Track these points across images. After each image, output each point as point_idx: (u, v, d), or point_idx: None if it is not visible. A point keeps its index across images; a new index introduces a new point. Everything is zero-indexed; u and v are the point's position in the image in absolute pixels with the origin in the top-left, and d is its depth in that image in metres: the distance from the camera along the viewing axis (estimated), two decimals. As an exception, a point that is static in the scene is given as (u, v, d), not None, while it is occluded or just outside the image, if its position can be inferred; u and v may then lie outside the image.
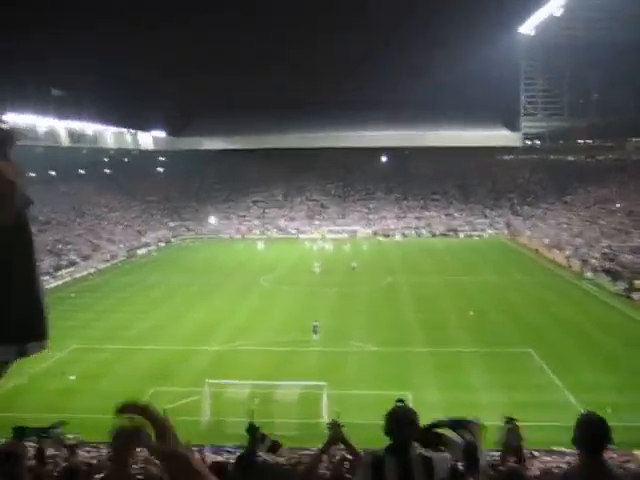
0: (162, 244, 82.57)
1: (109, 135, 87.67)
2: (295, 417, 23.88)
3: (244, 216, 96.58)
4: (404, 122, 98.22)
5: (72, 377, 29.87)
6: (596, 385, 27.68)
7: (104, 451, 20.06)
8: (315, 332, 36.16)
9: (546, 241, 72.99)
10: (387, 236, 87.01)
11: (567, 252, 64.93)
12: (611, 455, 10.24)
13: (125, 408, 1.66)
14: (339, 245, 75.14)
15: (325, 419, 21.83)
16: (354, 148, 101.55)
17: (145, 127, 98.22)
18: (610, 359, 32.11)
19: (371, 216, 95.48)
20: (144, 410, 1.64)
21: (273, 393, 25.85)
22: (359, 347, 34.82)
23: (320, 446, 6.07)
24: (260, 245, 76.47)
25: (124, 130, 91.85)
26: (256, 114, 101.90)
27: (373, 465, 4.09)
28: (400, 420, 4.11)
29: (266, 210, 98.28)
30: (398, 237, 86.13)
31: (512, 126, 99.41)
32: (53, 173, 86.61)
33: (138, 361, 32.83)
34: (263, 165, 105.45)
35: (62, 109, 72.36)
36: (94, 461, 17.87)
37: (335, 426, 5.68)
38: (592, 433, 3.83)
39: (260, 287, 52.88)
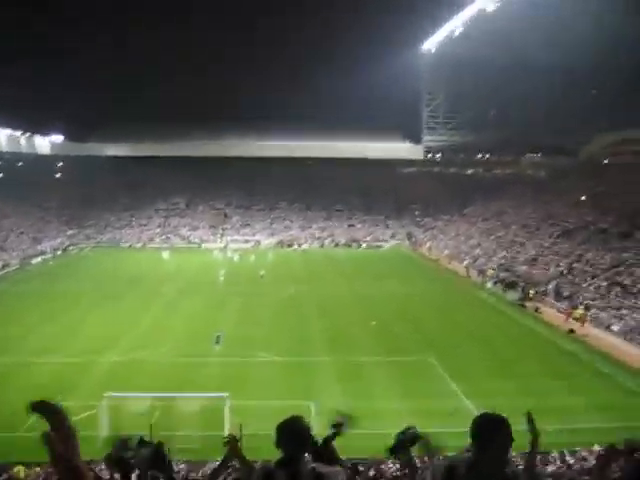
0: (59, 252, 79.61)
1: (2, 137, 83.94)
2: (197, 429, 23.41)
3: (146, 225, 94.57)
4: (309, 133, 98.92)
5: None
6: (493, 391, 28.54)
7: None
8: (218, 342, 35.67)
9: (446, 252, 75.12)
10: (290, 246, 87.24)
11: (465, 262, 67.02)
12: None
13: (39, 406, 1.53)
14: (245, 255, 74.51)
15: (228, 431, 21.53)
16: (258, 158, 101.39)
17: (42, 131, 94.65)
18: (505, 366, 33.27)
19: (275, 226, 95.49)
20: (56, 411, 1.52)
21: (174, 405, 25.26)
22: (263, 357, 34.58)
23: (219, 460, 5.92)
24: (165, 254, 74.72)
25: (18, 133, 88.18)
26: (160, 122, 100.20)
27: (263, 478, 4.00)
28: (290, 433, 4.03)
29: (168, 219, 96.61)
30: (305, 246, 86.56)
31: (414, 139, 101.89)
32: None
33: (32, 375, 31.32)
34: (166, 173, 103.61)
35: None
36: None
37: (231, 440, 5.51)
38: (484, 429, 3.83)
39: (163, 297, 51.69)
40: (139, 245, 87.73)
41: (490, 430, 3.79)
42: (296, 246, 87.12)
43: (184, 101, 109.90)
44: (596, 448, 20.04)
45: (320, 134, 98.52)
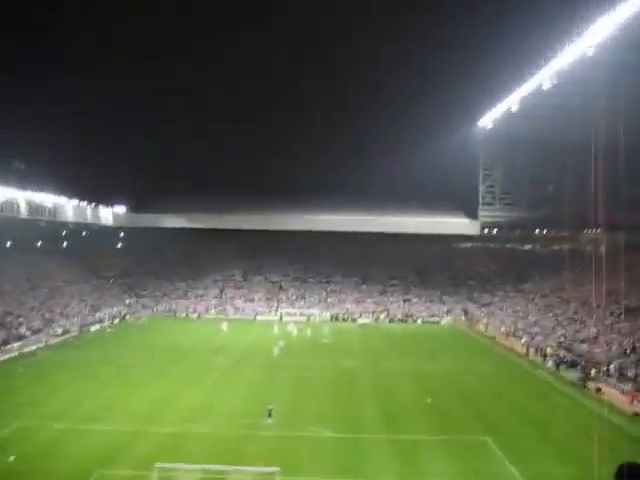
0: (116, 320, 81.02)
1: (69, 208, 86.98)
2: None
3: (202, 295, 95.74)
4: (366, 208, 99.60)
5: (11, 458, 28.40)
6: (551, 475, 27.42)
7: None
8: (270, 415, 35.34)
9: (503, 329, 73.58)
10: (345, 320, 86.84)
11: (523, 340, 65.43)
12: None
13: None
14: (302, 328, 74.10)
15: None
16: (315, 231, 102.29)
17: (107, 202, 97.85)
18: (564, 449, 31.95)
19: (330, 299, 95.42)
20: None
21: (225, 479, 24.97)
22: (314, 432, 34.05)
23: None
24: (224, 326, 73.67)
25: (84, 204, 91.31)
26: (218, 194, 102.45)
27: None
28: None
29: (225, 290, 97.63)
30: (363, 320, 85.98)
31: (471, 215, 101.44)
32: (9, 244, 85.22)
33: (85, 441, 31.51)
34: (223, 244, 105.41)
35: (23, 180, 71.90)
36: None
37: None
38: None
39: (215, 369, 51.82)
40: (194, 315, 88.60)
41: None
42: (353, 320, 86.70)
43: (241, 175, 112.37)
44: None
45: (377, 209, 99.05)
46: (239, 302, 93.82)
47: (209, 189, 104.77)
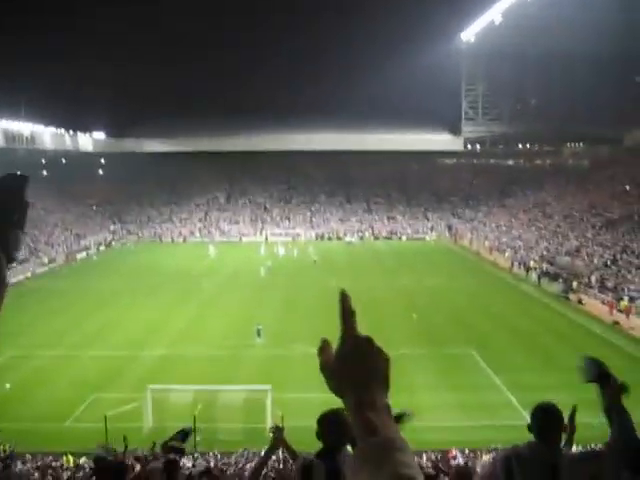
0: (103, 248, 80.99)
1: (47, 136, 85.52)
2: (239, 422, 23.66)
3: (186, 219, 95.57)
4: (346, 125, 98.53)
5: (7, 385, 28.88)
6: (535, 385, 28.22)
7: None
8: (259, 335, 35.93)
9: (487, 244, 74.38)
10: (330, 239, 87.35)
11: (507, 254, 66.30)
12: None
13: None
14: (290, 248, 74.47)
15: (270, 423, 21.70)
16: (296, 151, 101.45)
17: (85, 128, 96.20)
18: (548, 359, 32.83)
19: (314, 219, 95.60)
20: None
21: (217, 398, 25.55)
22: (304, 350, 34.70)
23: (264, 450, 6.01)
24: (211, 250, 73.41)
25: (62, 131, 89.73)
26: (198, 116, 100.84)
27: (303, 470, 4.05)
28: (331, 425, 4.06)
29: (209, 213, 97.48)
30: (349, 238, 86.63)
31: (454, 130, 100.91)
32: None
33: (77, 368, 32.04)
34: (205, 168, 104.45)
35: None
36: (36, 474, 17.36)
37: (277, 430, 5.62)
38: (546, 420, 3.94)
39: (203, 291, 52.24)
40: (180, 240, 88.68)
41: (546, 419, 3.89)
42: (339, 239, 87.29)
43: (221, 95, 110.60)
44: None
45: (358, 126, 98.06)
46: (224, 225, 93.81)
47: (190, 112, 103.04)
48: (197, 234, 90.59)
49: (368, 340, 1.57)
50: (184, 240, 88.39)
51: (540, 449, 3.85)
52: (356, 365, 1.51)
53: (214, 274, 59.71)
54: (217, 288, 53.24)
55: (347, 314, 1.53)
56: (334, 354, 1.53)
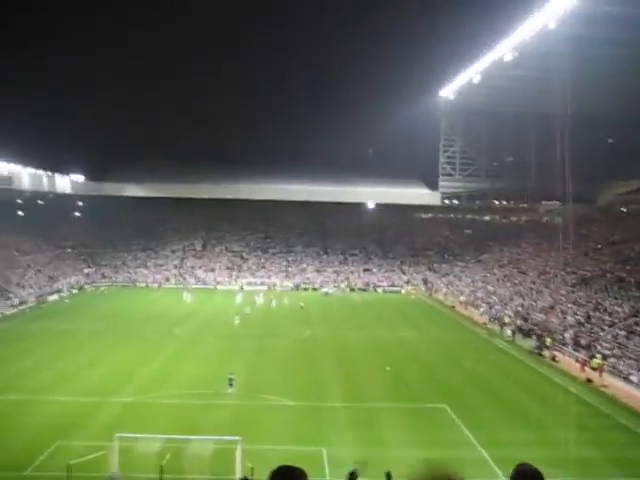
0: (75, 291, 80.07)
1: (25, 176, 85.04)
2: (208, 473, 23.16)
3: (162, 265, 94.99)
4: (326, 178, 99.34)
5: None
6: (508, 441, 28.04)
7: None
8: (231, 385, 35.44)
9: (462, 298, 74.68)
10: (306, 289, 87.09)
11: (482, 309, 66.54)
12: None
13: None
14: (268, 297, 74.04)
15: (238, 475, 21.27)
16: (274, 201, 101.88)
17: (63, 170, 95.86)
18: (521, 415, 32.75)
19: (290, 269, 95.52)
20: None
21: (186, 448, 25.00)
22: (275, 401, 34.26)
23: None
24: (186, 295, 73.31)
25: (41, 172, 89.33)
26: (178, 163, 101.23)
27: None
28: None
29: (184, 260, 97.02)
30: (327, 289, 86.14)
31: (431, 185, 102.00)
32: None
33: (41, 413, 31.19)
34: (183, 214, 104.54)
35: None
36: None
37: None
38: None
39: (176, 338, 51.67)
40: (155, 285, 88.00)
41: None
42: (314, 289, 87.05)
43: (202, 144, 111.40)
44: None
45: (337, 178, 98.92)
46: (199, 272, 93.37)
47: (169, 159, 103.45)
48: (172, 280, 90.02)
49: None
50: (159, 286, 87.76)
51: None
52: None
53: (188, 321, 59.15)
54: (190, 335, 52.70)
55: None
56: None
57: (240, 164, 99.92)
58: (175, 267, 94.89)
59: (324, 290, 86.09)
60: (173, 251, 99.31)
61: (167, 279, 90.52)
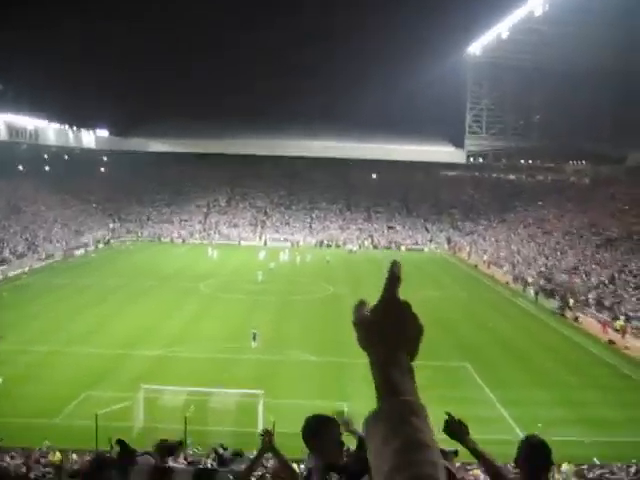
0: (101, 245, 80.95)
1: (50, 131, 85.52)
2: (230, 425, 23.59)
3: (186, 220, 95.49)
4: (351, 134, 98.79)
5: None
6: (528, 400, 28.21)
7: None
8: (254, 339, 35.87)
9: (485, 257, 74.35)
10: (329, 246, 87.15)
11: (505, 269, 66.26)
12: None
13: None
14: (292, 254, 74.32)
15: (261, 428, 21.64)
16: (300, 157, 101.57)
17: (89, 125, 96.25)
18: (542, 375, 32.83)
19: (314, 225, 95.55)
20: None
21: (209, 400, 25.49)
22: (298, 356, 34.68)
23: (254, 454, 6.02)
24: (211, 251, 73.75)
25: (66, 127, 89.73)
26: (203, 119, 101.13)
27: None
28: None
29: (209, 215, 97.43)
30: (351, 247, 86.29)
31: (457, 143, 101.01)
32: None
33: (70, 364, 31.92)
34: (207, 170, 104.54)
35: (2, 102, 70.38)
36: (23, 469, 17.27)
37: (266, 434, 5.60)
38: (535, 455, 3.86)
39: (200, 293, 52.21)
40: (179, 240, 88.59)
41: (533, 455, 3.82)
42: (337, 246, 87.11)
43: (226, 99, 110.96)
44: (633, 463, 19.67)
45: (363, 136, 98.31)
46: (223, 228, 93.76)
47: (194, 114, 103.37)
48: (196, 236, 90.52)
49: (407, 304, 1.57)
50: (183, 241, 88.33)
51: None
52: (390, 322, 1.52)
53: (212, 276, 59.60)
54: (215, 291, 53.21)
55: (393, 279, 1.56)
56: (370, 309, 1.53)
57: (265, 120, 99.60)
58: (200, 222, 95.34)
59: (348, 247, 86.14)
60: (198, 206, 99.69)
61: (191, 234, 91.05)
